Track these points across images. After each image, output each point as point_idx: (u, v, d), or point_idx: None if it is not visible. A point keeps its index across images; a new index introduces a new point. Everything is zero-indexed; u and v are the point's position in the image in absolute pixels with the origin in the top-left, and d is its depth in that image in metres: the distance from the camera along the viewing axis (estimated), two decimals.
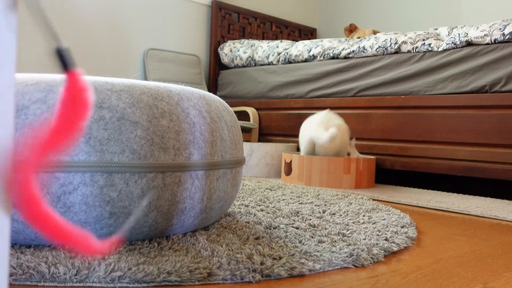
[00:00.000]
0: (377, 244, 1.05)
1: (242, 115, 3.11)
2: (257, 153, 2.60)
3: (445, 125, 2.27)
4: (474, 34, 2.24)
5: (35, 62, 2.70)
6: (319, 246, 1.01)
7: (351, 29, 3.44)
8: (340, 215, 1.41)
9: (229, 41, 3.53)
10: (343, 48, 2.78)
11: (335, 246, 1.01)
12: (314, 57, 2.94)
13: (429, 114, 2.33)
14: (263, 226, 1.18)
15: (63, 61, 0.44)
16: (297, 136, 2.77)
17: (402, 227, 1.27)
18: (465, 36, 2.27)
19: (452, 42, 2.32)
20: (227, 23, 3.64)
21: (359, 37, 3.06)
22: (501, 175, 2.08)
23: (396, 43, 2.54)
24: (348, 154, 2.38)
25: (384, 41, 2.59)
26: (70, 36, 2.87)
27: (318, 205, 1.57)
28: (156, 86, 1.03)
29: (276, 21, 4.00)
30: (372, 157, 2.45)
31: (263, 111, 3.11)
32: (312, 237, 1.09)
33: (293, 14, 4.23)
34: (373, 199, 1.88)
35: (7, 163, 0.37)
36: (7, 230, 0.40)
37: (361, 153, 2.57)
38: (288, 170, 2.39)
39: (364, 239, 1.09)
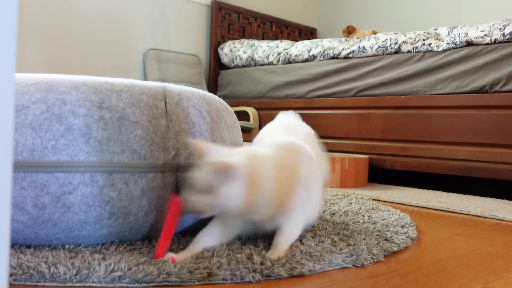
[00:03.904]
0: (377, 244, 1.05)
1: (242, 115, 3.11)
2: None
3: (445, 125, 2.27)
4: (474, 34, 2.24)
5: (35, 62, 2.70)
6: (319, 246, 1.00)
7: (349, 31, 3.44)
8: (340, 215, 1.40)
9: (229, 41, 3.53)
10: (343, 48, 2.78)
11: (335, 246, 1.01)
12: (314, 57, 2.94)
13: (429, 114, 2.32)
14: None
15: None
16: None
17: (402, 227, 1.27)
18: (465, 36, 2.27)
19: (452, 42, 2.32)
20: (227, 23, 3.64)
21: (358, 38, 3.06)
22: (501, 175, 2.08)
23: (396, 43, 2.54)
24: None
25: (384, 41, 2.59)
26: (71, 36, 2.87)
27: None
28: (156, 86, 1.03)
29: (276, 21, 4.00)
30: (365, 156, 2.45)
31: (263, 111, 3.11)
32: (312, 237, 1.09)
33: (293, 14, 4.23)
34: (373, 199, 1.88)
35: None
36: (7, 230, 0.40)
37: (358, 153, 2.56)
38: None
39: (364, 239, 1.09)
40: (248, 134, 3.06)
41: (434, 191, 2.30)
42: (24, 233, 0.90)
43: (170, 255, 0.85)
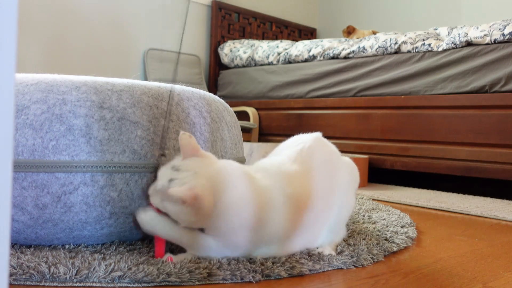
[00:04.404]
0: (377, 244, 1.05)
1: (242, 115, 3.11)
2: (257, 153, 2.61)
3: (445, 125, 2.27)
4: (474, 34, 2.24)
5: (35, 63, 2.70)
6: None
7: (349, 31, 3.44)
8: None
9: (229, 41, 3.53)
10: (343, 48, 2.78)
11: None
12: (314, 57, 2.94)
13: (429, 114, 2.32)
14: None
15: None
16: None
17: (402, 227, 1.27)
18: (465, 36, 2.27)
19: (452, 42, 2.32)
20: (227, 23, 3.64)
21: (358, 38, 3.06)
22: (501, 175, 2.08)
23: (396, 43, 2.54)
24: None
25: (384, 41, 2.59)
26: (71, 36, 2.87)
27: None
28: (157, 86, 1.03)
29: (276, 21, 4.00)
30: (365, 156, 2.45)
31: (263, 111, 3.11)
32: None
33: (293, 14, 4.23)
34: (373, 199, 1.88)
35: None
36: (7, 230, 0.40)
37: (358, 153, 2.57)
38: None
39: (364, 239, 1.09)
40: (248, 134, 3.06)
41: (434, 191, 2.30)
42: (25, 233, 0.90)
43: (168, 255, 0.85)
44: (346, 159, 1.08)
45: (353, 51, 2.72)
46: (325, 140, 1.04)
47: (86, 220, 0.91)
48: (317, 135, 1.02)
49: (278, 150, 1.03)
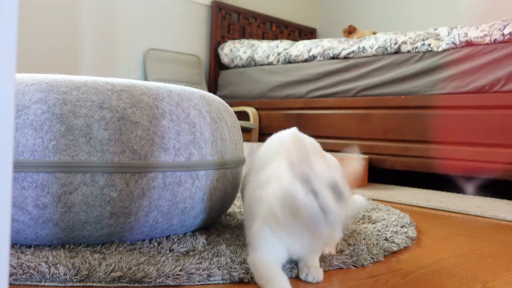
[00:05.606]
0: (377, 244, 1.05)
1: (242, 115, 3.11)
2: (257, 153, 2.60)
3: (445, 125, 2.27)
4: (474, 34, 2.24)
5: (35, 63, 2.70)
6: None
7: (350, 31, 3.44)
8: None
9: (229, 41, 3.53)
10: (343, 48, 2.78)
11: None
12: (314, 57, 2.94)
13: (429, 114, 2.32)
14: None
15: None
16: None
17: (402, 227, 1.27)
18: (465, 36, 2.27)
19: (452, 42, 2.32)
20: (227, 23, 3.64)
21: (358, 37, 3.06)
22: (501, 175, 2.08)
23: (396, 43, 2.54)
24: None
25: (384, 41, 2.59)
26: (71, 36, 2.87)
27: None
28: (157, 87, 1.03)
29: (276, 21, 4.00)
30: (365, 156, 2.45)
31: (263, 111, 3.11)
32: None
33: (293, 14, 4.23)
34: (373, 199, 1.88)
35: None
36: (8, 230, 0.41)
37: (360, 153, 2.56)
38: None
39: (364, 239, 1.09)
40: (248, 134, 3.06)
41: (434, 191, 2.30)
42: (25, 233, 0.90)
43: None
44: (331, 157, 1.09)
45: (353, 51, 2.72)
46: (301, 134, 1.04)
47: (86, 220, 0.91)
48: (293, 130, 1.02)
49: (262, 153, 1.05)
